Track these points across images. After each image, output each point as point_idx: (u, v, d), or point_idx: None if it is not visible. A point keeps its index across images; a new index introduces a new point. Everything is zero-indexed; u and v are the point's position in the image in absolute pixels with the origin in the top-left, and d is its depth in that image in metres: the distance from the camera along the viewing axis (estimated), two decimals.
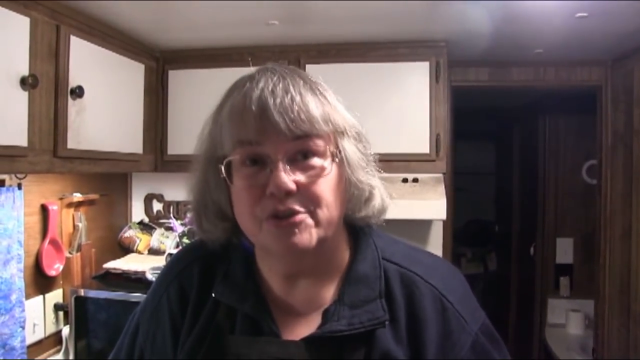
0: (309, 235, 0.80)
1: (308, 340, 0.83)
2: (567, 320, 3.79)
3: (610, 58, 2.61)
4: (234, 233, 0.90)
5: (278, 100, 0.78)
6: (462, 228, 5.72)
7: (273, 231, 0.80)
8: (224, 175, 0.82)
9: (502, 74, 2.78)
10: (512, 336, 4.47)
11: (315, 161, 0.81)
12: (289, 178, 0.78)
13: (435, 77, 2.28)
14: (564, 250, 3.99)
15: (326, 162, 0.82)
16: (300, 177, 0.80)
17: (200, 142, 0.89)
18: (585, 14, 1.91)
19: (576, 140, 3.95)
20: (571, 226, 3.98)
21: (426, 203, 2.16)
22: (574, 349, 3.39)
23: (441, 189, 2.23)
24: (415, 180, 2.24)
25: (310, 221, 0.80)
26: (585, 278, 3.76)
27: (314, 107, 0.80)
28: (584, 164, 3.91)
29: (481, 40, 2.29)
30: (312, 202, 0.80)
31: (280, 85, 0.80)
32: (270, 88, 0.79)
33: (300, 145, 0.80)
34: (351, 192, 0.87)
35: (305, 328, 0.86)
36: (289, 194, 0.78)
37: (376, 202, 0.90)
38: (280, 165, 0.78)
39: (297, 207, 0.79)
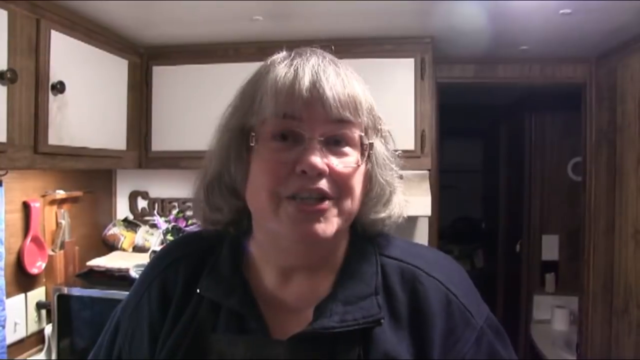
0: (331, 225, 0.78)
1: (297, 338, 0.79)
2: (553, 316, 3.82)
3: (595, 55, 2.62)
4: (239, 218, 0.88)
5: (331, 80, 0.77)
6: (449, 225, 5.75)
7: (294, 214, 0.77)
8: (254, 143, 0.79)
9: (487, 70, 2.78)
10: None
11: (348, 150, 0.80)
12: (323, 160, 0.76)
13: (420, 73, 2.27)
14: (550, 247, 4.02)
15: (358, 155, 0.81)
16: (334, 160, 0.78)
17: (229, 110, 0.86)
18: (569, 11, 1.92)
19: (562, 138, 3.98)
20: (557, 223, 4.01)
21: (411, 200, 2.13)
22: (559, 344, 3.42)
23: (426, 186, 2.23)
24: (400, 176, 2.23)
25: (335, 210, 0.79)
26: (571, 274, 3.79)
27: (362, 95, 0.80)
28: (570, 161, 3.94)
29: (467, 37, 2.30)
30: (340, 190, 0.78)
31: (331, 67, 0.79)
32: (322, 67, 0.78)
33: (340, 130, 0.79)
34: (375, 192, 0.85)
35: (295, 325, 0.81)
36: (320, 175, 0.76)
37: (394, 205, 0.88)
38: (317, 144, 0.76)
39: (327, 190, 0.77)
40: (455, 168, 5.53)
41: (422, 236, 2.65)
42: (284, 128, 0.78)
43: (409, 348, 0.81)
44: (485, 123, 5.27)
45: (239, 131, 0.82)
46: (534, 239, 4.06)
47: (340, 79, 0.78)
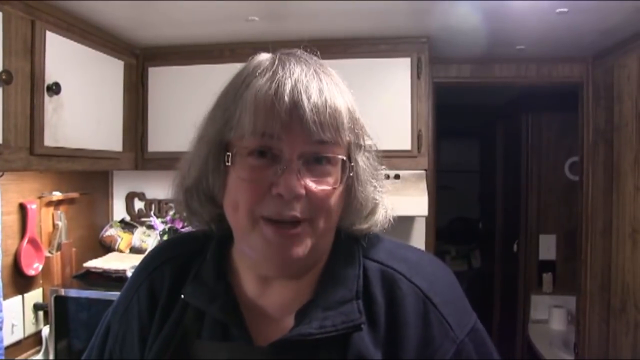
0: (304, 247, 0.77)
1: (278, 345, 0.78)
2: (550, 316, 3.82)
3: (591, 55, 2.63)
4: (218, 220, 0.86)
5: (312, 100, 0.74)
6: (446, 226, 5.75)
7: (269, 236, 0.76)
8: (229, 163, 0.77)
9: (484, 70, 2.78)
10: (496, 332, 4.49)
11: (329, 169, 0.78)
12: (300, 182, 0.75)
13: (416, 73, 2.27)
14: (547, 247, 4.02)
15: (338, 173, 0.79)
16: (311, 183, 0.76)
17: (208, 120, 0.84)
18: (565, 10, 1.92)
19: (559, 138, 3.98)
20: (554, 223, 4.01)
21: (408, 199, 2.16)
22: (557, 344, 3.41)
23: (423, 186, 2.23)
24: (397, 176, 2.24)
25: (308, 230, 0.77)
26: (568, 274, 3.79)
27: (344, 114, 0.77)
28: (567, 161, 3.94)
29: (463, 37, 2.30)
30: (315, 211, 0.77)
31: (315, 82, 0.76)
32: (304, 83, 0.75)
33: (319, 150, 0.76)
34: (354, 206, 0.83)
35: (278, 332, 0.80)
36: (296, 197, 0.74)
37: (379, 215, 0.86)
38: (295, 166, 0.74)
39: (301, 216, 0.75)
40: (452, 168, 5.54)
41: (419, 236, 2.64)
42: (262, 145, 0.76)
43: (384, 355, 0.78)
44: (481, 123, 5.27)
45: (217, 144, 0.80)
46: (531, 239, 4.05)
47: (322, 98, 0.75)
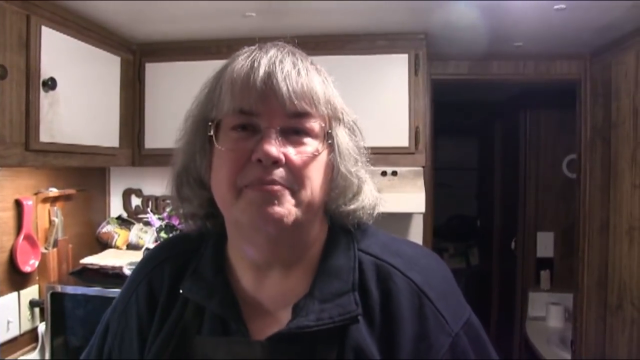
0: (287, 210, 0.77)
1: (275, 339, 0.79)
2: (548, 313, 3.82)
3: (589, 52, 2.62)
4: (209, 207, 0.87)
5: (286, 70, 0.77)
6: (444, 223, 5.75)
7: (251, 197, 0.77)
8: (212, 133, 0.80)
9: (482, 67, 2.78)
10: (493, 330, 4.50)
11: (308, 140, 0.79)
12: (279, 149, 0.76)
13: (414, 69, 2.27)
14: (545, 244, 4.02)
15: (318, 144, 0.80)
16: (290, 150, 0.77)
17: (195, 102, 0.87)
18: (563, 7, 1.92)
19: (556, 135, 3.98)
20: (552, 220, 4.01)
21: (405, 196, 2.15)
22: (554, 341, 3.42)
23: (420, 183, 2.23)
24: (394, 173, 2.23)
25: (290, 198, 0.77)
26: (566, 271, 3.79)
27: (319, 86, 0.80)
28: (565, 158, 3.94)
29: (461, 33, 2.29)
30: (296, 180, 0.77)
31: (289, 58, 0.79)
32: (279, 58, 0.78)
33: (297, 123, 0.78)
34: (338, 182, 0.83)
35: (276, 325, 0.81)
36: (275, 163, 0.76)
37: (365, 197, 0.87)
38: (273, 134, 0.76)
39: (281, 181, 0.76)
40: (450, 166, 5.54)
41: (416, 233, 2.64)
42: (242, 121, 0.78)
43: (380, 349, 0.79)
44: (479, 120, 5.27)
45: (203, 122, 0.83)
46: (529, 236, 4.06)
47: (296, 70, 0.78)
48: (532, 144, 4.05)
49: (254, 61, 0.78)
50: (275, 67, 0.77)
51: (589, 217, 2.67)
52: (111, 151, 2.27)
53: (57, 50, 1.85)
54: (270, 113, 0.77)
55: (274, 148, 0.75)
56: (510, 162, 4.35)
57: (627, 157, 2.25)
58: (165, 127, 2.40)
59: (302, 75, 0.78)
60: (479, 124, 5.37)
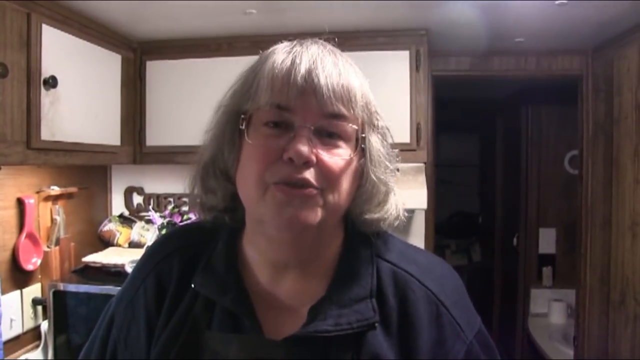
0: (314, 213, 0.76)
1: (291, 340, 0.78)
2: (550, 309, 3.82)
3: (591, 47, 2.61)
4: (235, 201, 0.86)
5: (327, 69, 0.76)
6: (446, 220, 5.75)
7: (279, 198, 0.75)
8: (243, 126, 0.79)
9: (483, 63, 2.77)
10: (496, 326, 4.50)
11: (340, 144, 0.78)
12: (311, 149, 0.75)
13: (415, 66, 2.26)
14: (547, 241, 4.02)
15: (350, 149, 0.79)
16: (322, 152, 0.76)
17: (229, 92, 0.85)
18: (564, 1, 1.91)
19: (558, 131, 3.98)
20: (554, 216, 4.01)
21: (407, 192, 2.15)
22: (556, 338, 3.42)
23: (422, 179, 2.22)
24: (396, 170, 2.22)
25: (320, 200, 0.77)
26: (568, 268, 3.79)
27: (358, 89, 0.79)
28: (566, 154, 3.94)
29: (462, 29, 2.28)
30: (326, 182, 0.77)
31: (330, 57, 0.79)
32: (320, 57, 0.77)
33: (331, 124, 0.77)
34: (366, 188, 0.83)
35: (289, 325, 0.80)
36: (306, 164, 0.75)
37: (390, 206, 0.86)
38: (306, 133, 0.75)
39: (312, 181, 0.75)
40: (452, 162, 5.53)
41: (418, 230, 2.63)
42: (276, 117, 0.77)
43: (397, 354, 0.79)
44: (481, 117, 5.26)
45: (235, 114, 0.82)
46: (531, 233, 4.06)
47: (337, 70, 0.77)
48: (534, 140, 4.04)
49: (295, 57, 0.77)
50: (317, 65, 0.76)
51: (591, 213, 2.66)
52: (112, 149, 2.27)
53: (58, 49, 1.85)
54: (306, 111, 0.76)
55: (306, 148, 0.74)
56: (512, 158, 4.34)
57: (630, 153, 2.24)
58: (167, 125, 2.43)
59: (342, 76, 0.77)
60: (480, 120, 5.36)
